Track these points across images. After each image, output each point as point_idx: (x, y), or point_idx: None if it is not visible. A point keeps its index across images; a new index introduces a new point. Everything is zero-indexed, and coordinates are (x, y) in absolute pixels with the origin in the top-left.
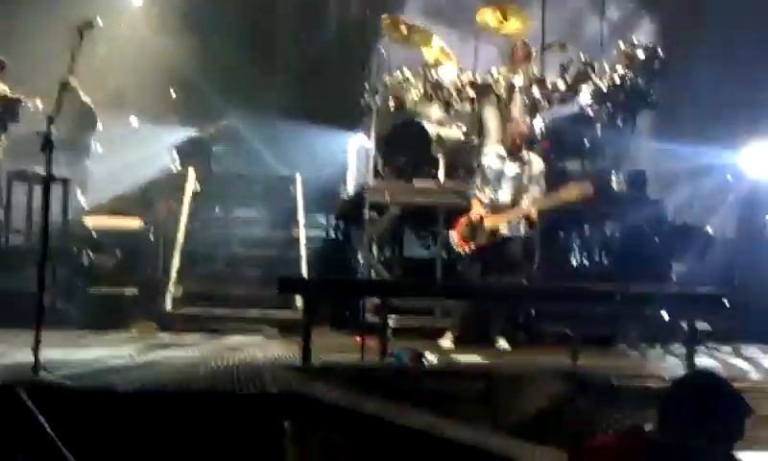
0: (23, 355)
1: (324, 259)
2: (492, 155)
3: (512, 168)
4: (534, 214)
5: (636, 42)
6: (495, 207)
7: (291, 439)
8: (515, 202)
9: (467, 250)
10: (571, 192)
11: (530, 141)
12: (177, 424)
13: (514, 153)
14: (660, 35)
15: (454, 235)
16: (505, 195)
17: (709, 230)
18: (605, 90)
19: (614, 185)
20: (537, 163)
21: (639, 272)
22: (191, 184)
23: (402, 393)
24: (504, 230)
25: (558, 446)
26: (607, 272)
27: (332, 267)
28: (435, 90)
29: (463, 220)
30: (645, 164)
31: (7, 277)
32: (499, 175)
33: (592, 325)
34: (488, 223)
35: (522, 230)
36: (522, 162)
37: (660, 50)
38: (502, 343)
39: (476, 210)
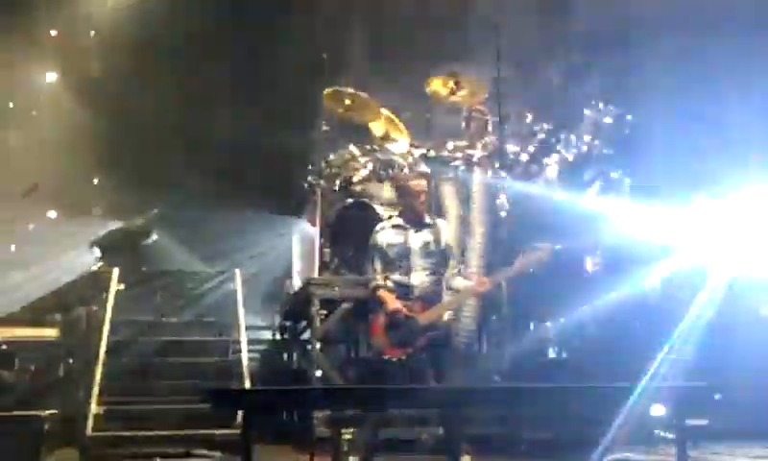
0: None
1: (269, 365)
2: (387, 229)
3: (417, 239)
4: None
5: (602, 108)
6: (421, 296)
7: None
8: (432, 281)
9: (402, 357)
10: (527, 260)
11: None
12: None
13: (415, 220)
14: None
15: (379, 342)
16: (418, 276)
17: (695, 312)
18: (572, 161)
19: (589, 267)
20: (445, 230)
21: (620, 364)
22: (114, 285)
23: None
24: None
25: None
26: (588, 364)
27: (279, 374)
28: (385, 168)
29: (381, 321)
30: (621, 240)
31: None
32: (404, 251)
33: (573, 427)
34: (423, 319)
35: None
36: (428, 228)
37: (628, 115)
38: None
39: (392, 304)
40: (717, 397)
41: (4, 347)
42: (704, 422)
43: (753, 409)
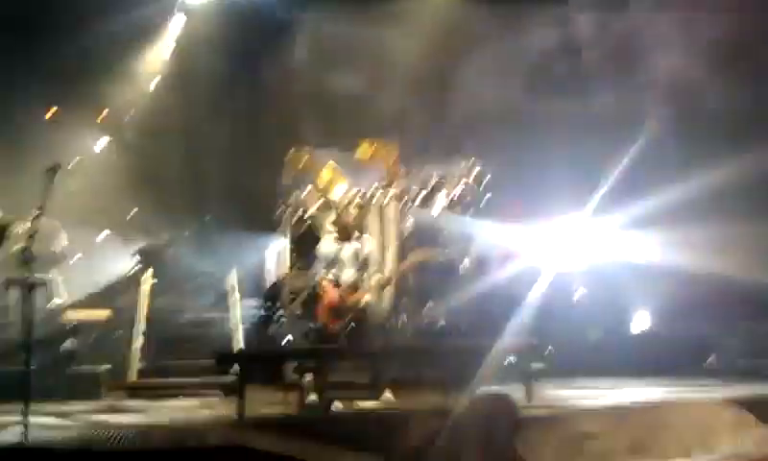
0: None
1: (256, 333)
2: (328, 242)
3: (347, 249)
4: (388, 281)
5: (472, 161)
6: (350, 286)
7: None
8: (359, 277)
9: (337, 327)
10: (414, 257)
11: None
12: None
13: (345, 237)
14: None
15: (323, 319)
16: (348, 273)
17: (531, 295)
18: (455, 197)
19: (464, 267)
20: (368, 243)
21: (488, 329)
22: (149, 281)
23: (318, 434)
24: (368, 302)
25: None
26: (464, 330)
27: (263, 338)
28: (330, 203)
29: (323, 305)
30: (488, 247)
31: (4, 361)
32: (337, 257)
33: (457, 371)
34: (351, 300)
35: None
36: (356, 242)
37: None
38: (388, 395)
39: (331, 294)
40: (549, 349)
41: (74, 323)
42: (541, 365)
43: (570, 357)
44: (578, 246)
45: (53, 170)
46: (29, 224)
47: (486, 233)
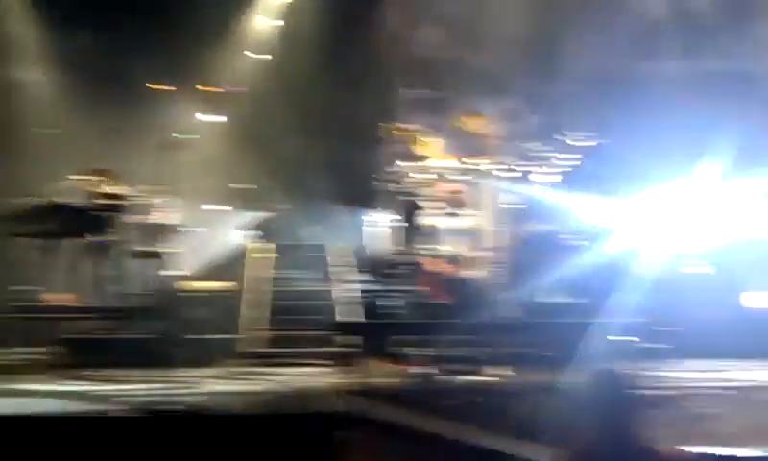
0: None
1: (362, 306)
2: (431, 215)
3: (451, 222)
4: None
5: (576, 134)
6: (455, 260)
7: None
8: (464, 251)
9: (447, 301)
10: (516, 232)
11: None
12: (253, 441)
13: (448, 210)
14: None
15: (429, 293)
16: (453, 246)
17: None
18: (558, 170)
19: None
20: (469, 217)
21: (596, 306)
22: (259, 252)
23: (424, 406)
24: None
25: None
26: (571, 306)
27: (368, 311)
28: (430, 176)
29: (430, 279)
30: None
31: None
32: (442, 230)
33: (565, 347)
34: (458, 273)
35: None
36: (454, 217)
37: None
38: (493, 370)
39: (437, 267)
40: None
41: (188, 293)
42: (653, 344)
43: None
44: (691, 218)
45: (167, 144)
46: (145, 196)
47: (597, 208)
